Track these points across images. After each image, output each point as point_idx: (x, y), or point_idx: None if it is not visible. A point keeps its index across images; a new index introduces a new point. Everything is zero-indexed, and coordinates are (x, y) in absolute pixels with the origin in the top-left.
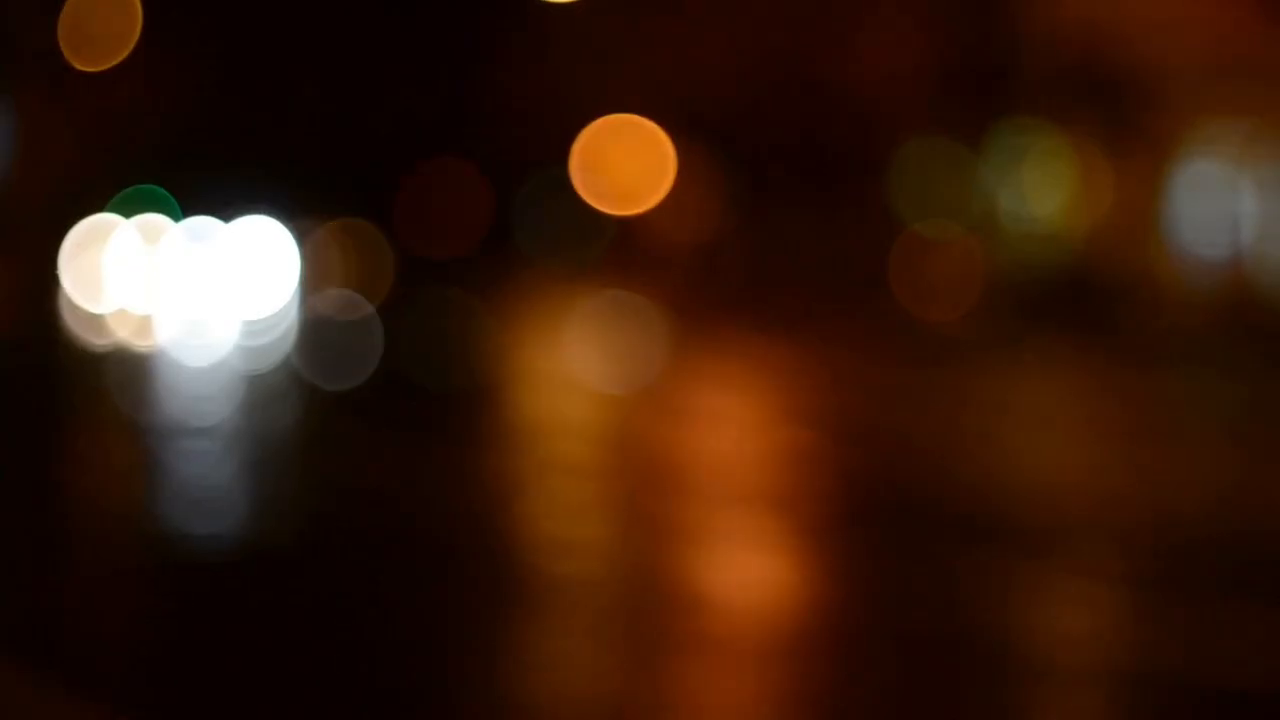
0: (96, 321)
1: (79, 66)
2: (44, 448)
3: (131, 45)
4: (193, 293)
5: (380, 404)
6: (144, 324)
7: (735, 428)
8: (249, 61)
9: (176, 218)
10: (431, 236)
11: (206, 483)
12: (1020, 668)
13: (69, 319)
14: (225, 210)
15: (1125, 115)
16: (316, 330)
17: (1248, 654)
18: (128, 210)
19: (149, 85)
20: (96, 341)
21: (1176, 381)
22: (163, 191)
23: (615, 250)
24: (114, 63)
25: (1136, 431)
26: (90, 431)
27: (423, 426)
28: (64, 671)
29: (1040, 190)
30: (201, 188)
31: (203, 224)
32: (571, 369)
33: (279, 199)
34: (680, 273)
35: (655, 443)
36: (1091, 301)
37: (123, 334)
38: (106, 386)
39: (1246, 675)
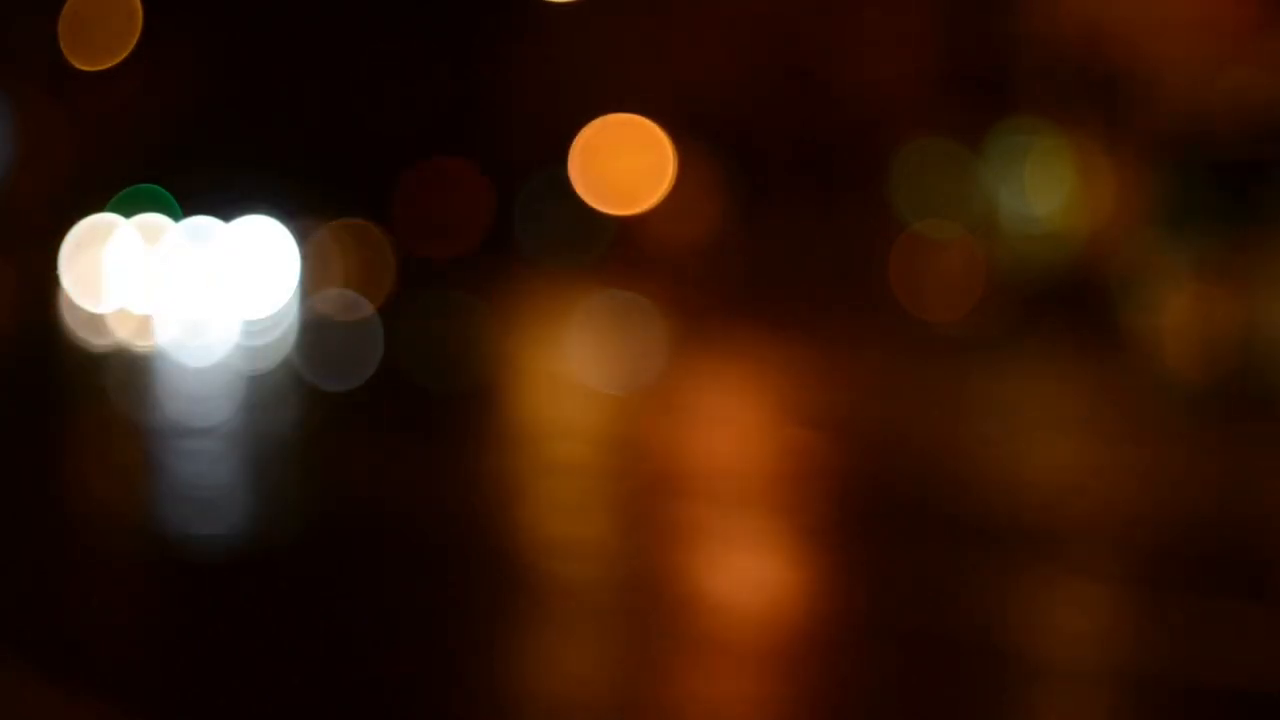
0: (96, 321)
1: (79, 66)
2: (44, 448)
3: (131, 45)
4: (193, 293)
5: (380, 404)
6: (144, 324)
7: (735, 428)
8: (249, 61)
9: (176, 218)
10: (431, 236)
11: (206, 483)
12: (1020, 668)
13: (69, 319)
14: (225, 210)
15: (1125, 115)
16: (316, 330)
17: (1248, 654)
18: (128, 210)
19: (149, 85)
20: (96, 341)
21: (1176, 382)
22: (163, 191)
23: (615, 250)
24: (114, 63)
25: (1136, 431)
26: (90, 431)
27: (423, 427)
28: (64, 671)
29: (1040, 190)
30: (201, 188)
31: (203, 224)
32: (572, 369)
33: (279, 199)
34: (680, 273)
35: (655, 443)
36: (1091, 301)
37: (123, 334)
38: (106, 386)
39: (1246, 675)
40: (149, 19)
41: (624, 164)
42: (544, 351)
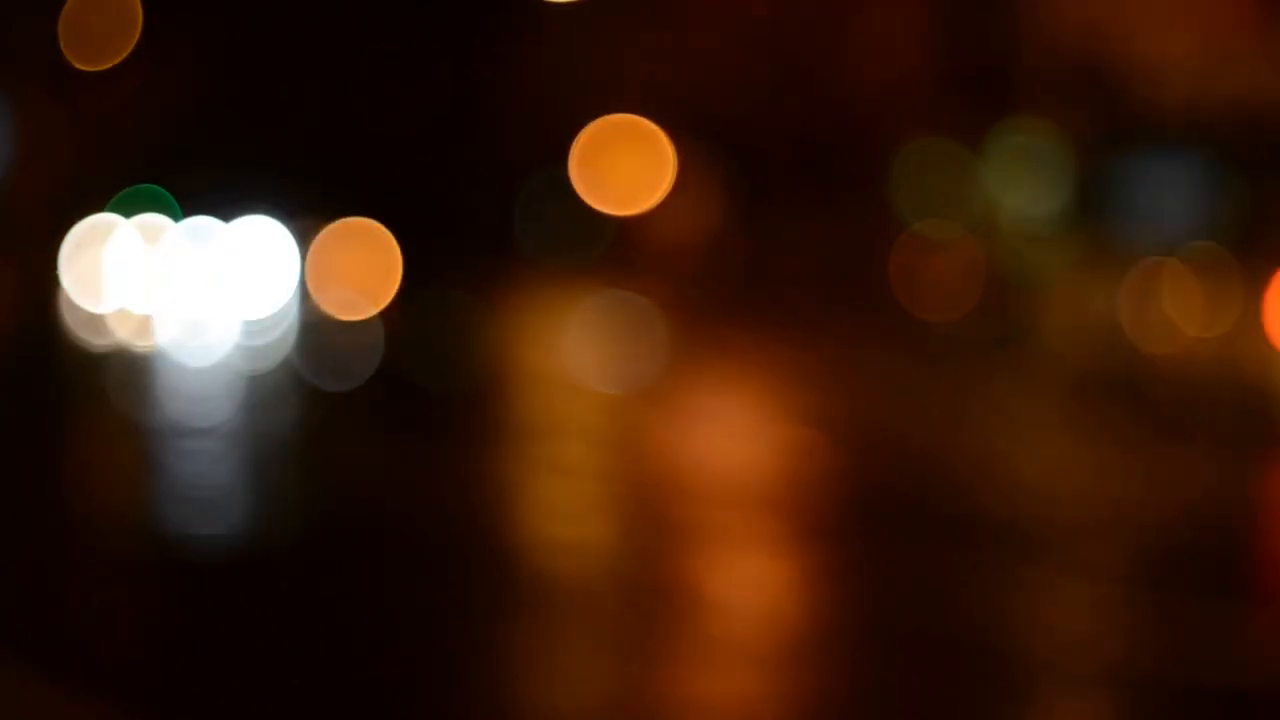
0: (96, 321)
1: (79, 66)
2: (44, 448)
3: (131, 45)
4: (193, 293)
5: (380, 404)
6: (144, 324)
7: (735, 428)
8: (249, 61)
9: (176, 218)
10: (432, 237)
11: (206, 483)
12: (1020, 668)
13: (69, 319)
14: (225, 210)
15: (1125, 114)
16: (316, 330)
17: (1247, 654)
18: (128, 210)
19: (149, 85)
20: (96, 341)
21: (1175, 381)
22: (163, 191)
23: (615, 250)
24: (114, 63)
25: (1136, 432)
26: (90, 431)
27: (423, 427)
28: (64, 671)
29: (1040, 190)
30: (201, 188)
31: (203, 224)
32: (571, 369)
33: (279, 199)
34: (680, 273)
35: (655, 443)
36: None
37: (123, 334)
38: (106, 386)
39: (1246, 675)
40: (149, 19)
41: (624, 164)
42: (544, 351)
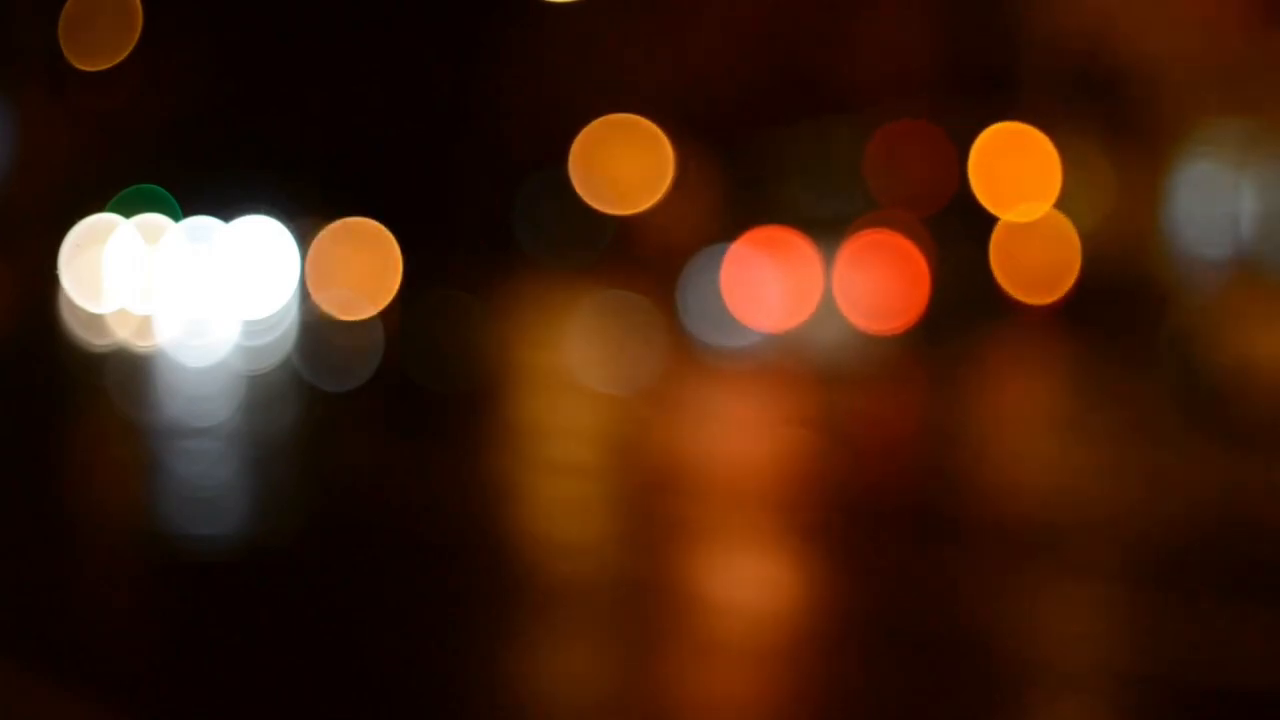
0: (96, 321)
1: (79, 66)
2: (44, 447)
3: (131, 45)
4: (193, 293)
5: (380, 404)
6: (144, 324)
7: (735, 428)
8: (249, 61)
9: (176, 218)
10: (431, 237)
11: (206, 483)
12: (1020, 668)
13: (69, 319)
14: (225, 210)
15: (1126, 115)
16: (316, 330)
17: (1248, 654)
18: (128, 210)
19: (149, 85)
20: (96, 341)
21: (1176, 381)
22: (163, 191)
23: (615, 250)
24: (114, 63)
25: (1136, 431)
26: (90, 431)
27: (423, 426)
28: (64, 671)
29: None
30: (201, 188)
31: (203, 224)
32: (571, 369)
33: (279, 199)
34: (680, 272)
35: (655, 443)
36: (1092, 301)
37: (123, 334)
38: (106, 386)
39: (1246, 675)
40: (149, 19)
41: (624, 164)
42: (544, 351)
